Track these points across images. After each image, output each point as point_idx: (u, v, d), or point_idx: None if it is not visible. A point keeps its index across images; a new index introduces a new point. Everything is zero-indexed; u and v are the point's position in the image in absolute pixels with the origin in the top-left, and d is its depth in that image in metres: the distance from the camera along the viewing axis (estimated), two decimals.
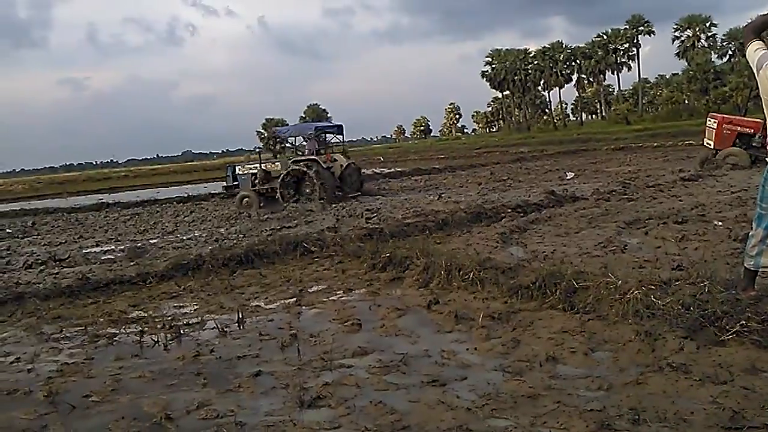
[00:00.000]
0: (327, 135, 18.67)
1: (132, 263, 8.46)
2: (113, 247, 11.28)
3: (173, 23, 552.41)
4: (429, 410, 3.44)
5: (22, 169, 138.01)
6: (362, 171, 18.74)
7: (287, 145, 17.87)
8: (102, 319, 5.98)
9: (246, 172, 17.46)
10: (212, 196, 22.29)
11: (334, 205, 15.07)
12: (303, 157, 16.70)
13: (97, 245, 11.80)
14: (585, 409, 3.26)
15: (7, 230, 16.17)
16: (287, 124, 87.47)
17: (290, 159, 17.14)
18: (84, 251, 10.76)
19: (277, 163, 17.35)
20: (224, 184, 18.72)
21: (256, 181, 17.00)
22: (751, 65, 4.22)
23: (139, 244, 10.84)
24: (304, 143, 17.68)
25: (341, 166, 17.15)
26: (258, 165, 17.23)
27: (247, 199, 16.71)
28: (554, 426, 3.13)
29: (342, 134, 19.20)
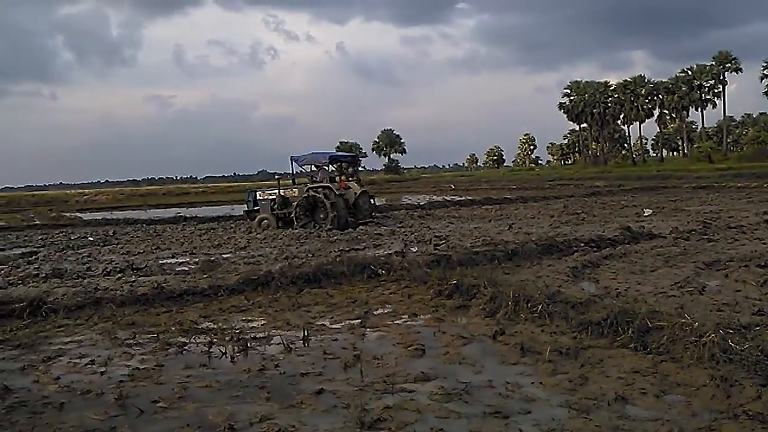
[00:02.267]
0: (343, 164, 19.80)
1: (205, 276, 8.70)
2: (188, 259, 11.60)
3: (255, 47, 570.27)
4: None
5: (107, 181, 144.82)
6: (375, 199, 19.58)
7: (303, 171, 18.53)
8: (173, 328, 6.16)
9: (266, 197, 18.49)
10: None
11: (402, 230, 15.11)
12: (319, 184, 17.45)
13: (173, 257, 12.16)
14: None
15: (89, 238, 16.89)
16: (360, 148, 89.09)
17: (306, 185, 17.89)
18: (160, 262, 11.12)
19: (294, 190, 18.17)
20: (245, 208, 19.54)
21: (275, 205, 17.97)
22: None
23: (213, 258, 11.12)
24: (315, 170, 18.45)
25: (355, 193, 17.91)
26: (277, 191, 18.21)
27: (265, 221, 17.82)
28: None
29: (356, 165, 20.39)
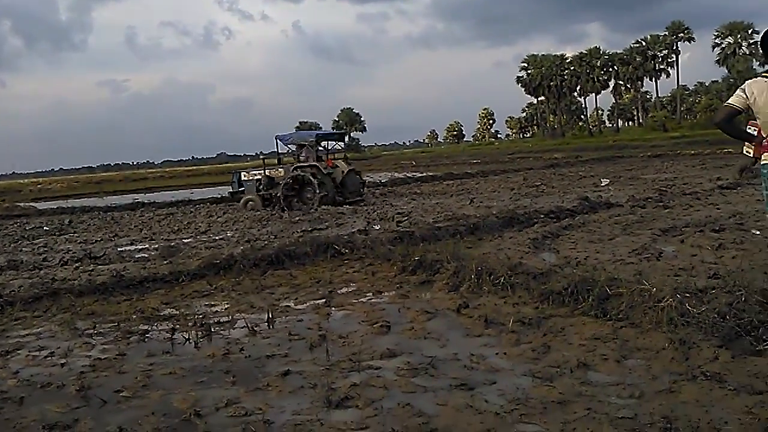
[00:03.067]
0: (329, 142, 19.52)
1: (165, 262, 8.57)
2: (147, 245, 11.42)
3: (209, 27, 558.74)
4: (457, 414, 3.41)
5: (61, 169, 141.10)
6: (364, 176, 19.52)
7: (290, 151, 18.24)
8: (135, 316, 6.06)
9: (251, 178, 18.22)
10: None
11: (365, 208, 15.11)
12: (305, 163, 17.28)
13: (132, 244, 11.97)
14: (616, 416, 3.20)
15: (45, 228, 16.49)
16: (320, 128, 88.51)
17: (292, 165, 17.69)
18: (119, 249, 10.93)
19: (280, 170, 17.93)
20: (230, 189, 19.44)
21: (261, 186, 17.76)
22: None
23: (173, 243, 10.97)
24: (301, 149, 18.18)
25: (342, 172, 17.72)
26: (262, 171, 17.94)
27: (251, 202, 17.61)
28: None
29: (344, 141, 20.29)
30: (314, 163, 17.23)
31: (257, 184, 17.91)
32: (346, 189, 17.70)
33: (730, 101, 4.43)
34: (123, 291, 7.19)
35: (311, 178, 16.62)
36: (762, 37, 4.28)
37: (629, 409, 3.28)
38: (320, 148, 18.63)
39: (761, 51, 4.40)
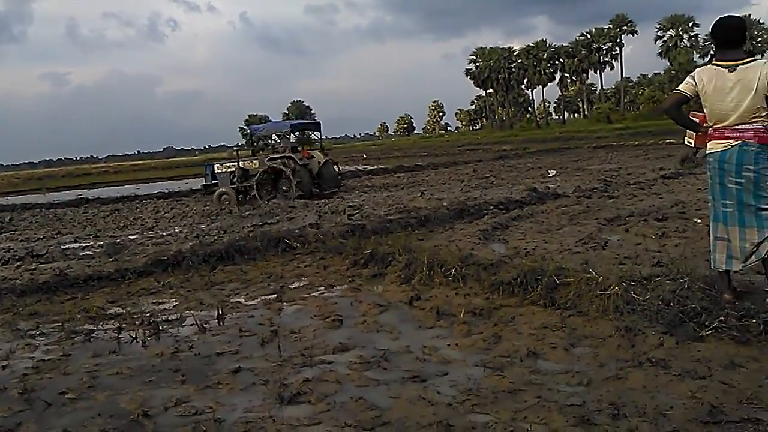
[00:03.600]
0: (305, 132, 18.81)
1: (111, 259, 8.35)
2: (92, 243, 11.12)
3: (154, 19, 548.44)
4: (410, 406, 3.42)
5: (0, 165, 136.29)
6: (340, 167, 18.78)
7: (265, 142, 17.77)
8: (79, 316, 5.89)
9: (224, 170, 17.51)
10: (193, 192, 22.15)
11: (316, 202, 15.02)
12: (279, 155, 16.76)
13: (76, 241, 11.63)
14: (565, 404, 3.27)
15: None
16: (269, 120, 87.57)
17: (267, 157, 17.16)
18: (62, 247, 10.60)
19: (255, 161, 17.32)
20: (203, 182, 18.70)
21: (234, 178, 17.08)
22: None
23: (118, 240, 10.70)
24: (278, 140, 17.80)
25: (318, 162, 17.18)
26: (236, 163, 17.27)
27: (225, 195, 16.80)
28: (534, 421, 3.12)
29: (320, 131, 19.44)
30: (290, 154, 16.61)
31: (231, 177, 17.14)
32: (323, 180, 17.22)
33: (679, 88, 4.50)
34: (67, 290, 6.97)
35: (284, 168, 16.06)
36: (713, 27, 4.37)
37: (578, 397, 3.34)
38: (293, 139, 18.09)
39: (713, 40, 4.49)
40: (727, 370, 3.49)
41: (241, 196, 16.83)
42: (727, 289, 4.39)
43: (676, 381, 3.42)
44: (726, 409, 3.02)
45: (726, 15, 4.38)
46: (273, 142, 17.81)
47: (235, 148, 19.33)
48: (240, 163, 17.21)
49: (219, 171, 17.71)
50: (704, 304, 4.16)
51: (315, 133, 19.33)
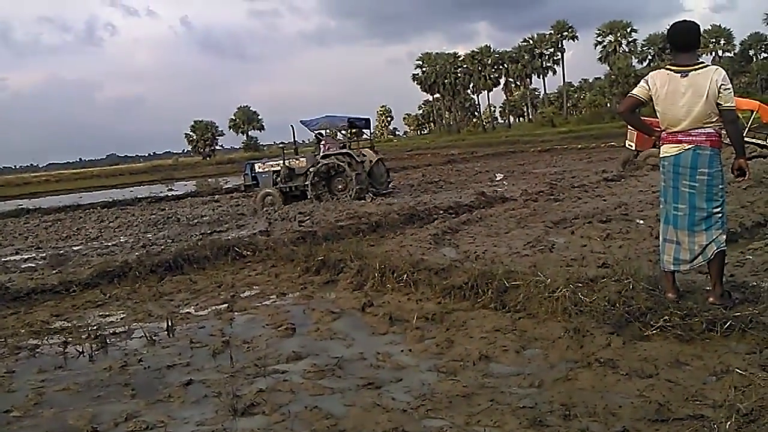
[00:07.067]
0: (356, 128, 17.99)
1: (54, 271, 8.11)
2: (34, 254, 10.78)
3: (92, 22, 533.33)
4: (364, 413, 3.43)
5: None
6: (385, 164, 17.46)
7: (318, 138, 16.62)
8: (23, 330, 5.70)
9: (267, 169, 16.47)
10: (138, 200, 21.70)
11: (266, 209, 14.88)
12: (337, 151, 15.68)
13: (17, 253, 11.25)
14: (518, 406, 3.32)
15: None
16: (217, 127, 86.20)
17: (316, 154, 16.12)
18: (2, 260, 10.26)
19: (302, 159, 16.25)
20: (243, 182, 17.58)
21: (278, 178, 16.05)
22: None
23: (62, 251, 10.42)
24: (326, 137, 16.68)
25: (370, 161, 16.14)
26: (281, 162, 16.24)
27: (270, 197, 15.75)
28: (488, 424, 3.17)
29: (370, 128, 18.44)
30: (347, 151, 15.60)
31: (274, 177, 16.03)
32: (374, 179, 16.08)
33: (633, 92, 4.59)
34: (9, 304, 6.73)
35: (347, 168, 15.01)
36: (668, 31, 4.49)
37: (530, 399, 3.41)
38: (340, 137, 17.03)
39: (669, 44, 4.61)
40: (672, 368, 3.61)
41: (287, 197, 15.78)
42: (671, 288, 4.54)
43: (624, 380, 3.51)
44: (673, 407, 3.12)
45: (681, 20, 4.53)
46: (323, 138, 16.52)
47: (280, 146, 18.08)
48: (285, 161, 16.15)
49: (261, 170, 16.60)
50: (649, 304, 4.28)
51: (365, 130, 18.23)
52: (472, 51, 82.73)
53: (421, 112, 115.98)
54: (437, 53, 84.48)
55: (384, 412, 3.42)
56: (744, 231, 7.10)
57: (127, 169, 65.69)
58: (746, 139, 13.87)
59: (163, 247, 9.70)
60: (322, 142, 16.34)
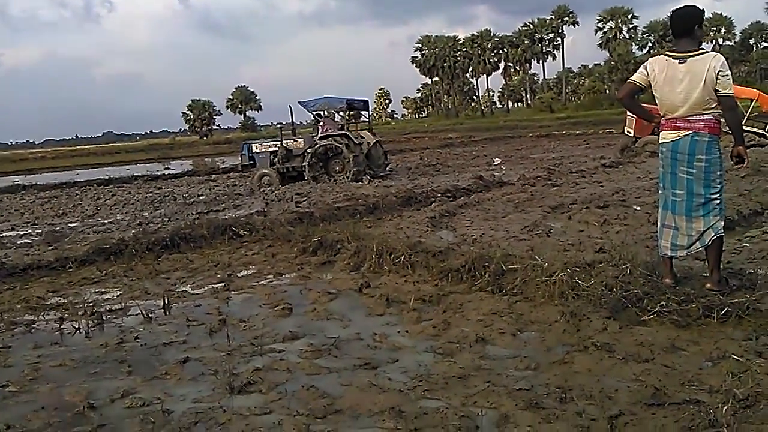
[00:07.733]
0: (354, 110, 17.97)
1: (50, 248, 8.10)
2: (30, 231, 10.77)
3: None
4: (361, 393, 3.44)
5: None
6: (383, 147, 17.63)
7: (317, 119, 16.53)
8: (19, 306, 5.69)
9: (264, 150, 16.53)
10: (135, 178, 21.63)
11: (263, 189, 14.85)
12: (335, 132, 15.76)
13: (13, 229, 11.24)
14: (514, 388, 3.33)
15: None
16: (214, 106, 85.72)
17: (314, 135, 16.17)
18: None
19: (299, 140, 16.33)
20: (240, 162, 17.64)
21: (275, 159, 16.16)
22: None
23: (58, 228, 10.40)
24: (325, 118, 16.67)
25: (368, 143, 16.23)
26: (279, 142, 16.32)
27: (267, 177, 15.84)
28: (484, 405, 3.18)
29: (368, 110, 18.47)
30: (345, 132, 15.71)
31: (272, 157, 16.16)
32: (372, 162, 16.25)
33: (632, 78, 4.60)
34: (5, 280, 6.71)
35: (345, 149, 15.13)
36: (670, 16, 4.48)
37: (526, 381, 3.42)
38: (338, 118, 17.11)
39: (670, 29, 4.59)
40: (669, 353, 3.62)
41: (282, 177, 15.89)
42: (669, 274, 4.55)
43: (620, 364, 3.52)
44: (669, 392, 3.13)
45: (683, 5, 4.50)
46: (321, 119, 16.51)
47: (278, 125, 18.10)
48: (283, 141, 16.21)
49: (258, 151, 16.69)
50: (646, 290, 4.29)
51: (363, 111, 18.35)
52: (472, 35, 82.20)
53: (419, 95, 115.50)
54: (437, 36, 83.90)
55: (380, 392, 3.43)
56: (741, 219, 7.11)
57: (123, 147, 65.23)
58: (745, 128, 13.87)
59: (159, 225, 9.69)
60: (320, 124, 16.36)
